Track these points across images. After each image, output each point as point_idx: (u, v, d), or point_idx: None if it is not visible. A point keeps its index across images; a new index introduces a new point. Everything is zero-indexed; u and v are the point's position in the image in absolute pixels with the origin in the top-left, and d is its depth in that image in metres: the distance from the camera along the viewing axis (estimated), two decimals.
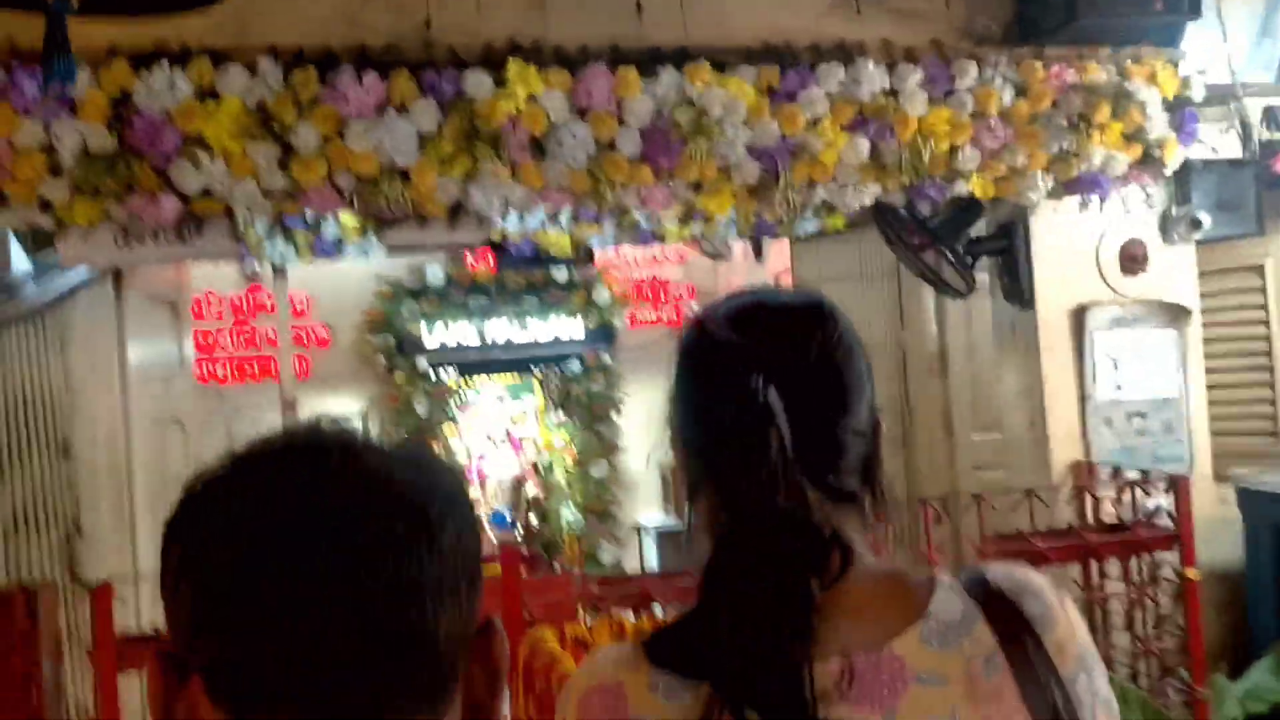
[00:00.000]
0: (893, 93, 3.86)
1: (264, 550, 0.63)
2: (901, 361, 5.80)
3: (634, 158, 3.72)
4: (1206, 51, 4.07)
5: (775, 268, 6.52)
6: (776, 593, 0.86)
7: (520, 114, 3.60)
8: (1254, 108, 4.14)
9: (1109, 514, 4.13)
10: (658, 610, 3.45)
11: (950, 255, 4.06)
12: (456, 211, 3.80)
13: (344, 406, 7.28)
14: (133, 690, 3.36)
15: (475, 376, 7.37)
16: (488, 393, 7.53)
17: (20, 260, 3.64)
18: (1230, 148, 4.24)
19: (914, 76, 3.84)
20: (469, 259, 7.05)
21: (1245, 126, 4.16)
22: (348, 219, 4.34)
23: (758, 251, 6.93)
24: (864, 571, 0.92)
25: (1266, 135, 4.11)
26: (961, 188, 3.97)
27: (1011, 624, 0.92)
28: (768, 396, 0.91)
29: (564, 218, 4.92)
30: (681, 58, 3.79)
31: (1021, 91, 3.92)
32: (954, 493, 5.32)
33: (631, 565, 7.21)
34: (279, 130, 3.42)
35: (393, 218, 3.76)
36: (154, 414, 5.24)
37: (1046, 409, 4.47)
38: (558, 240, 5.21)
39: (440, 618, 0.65)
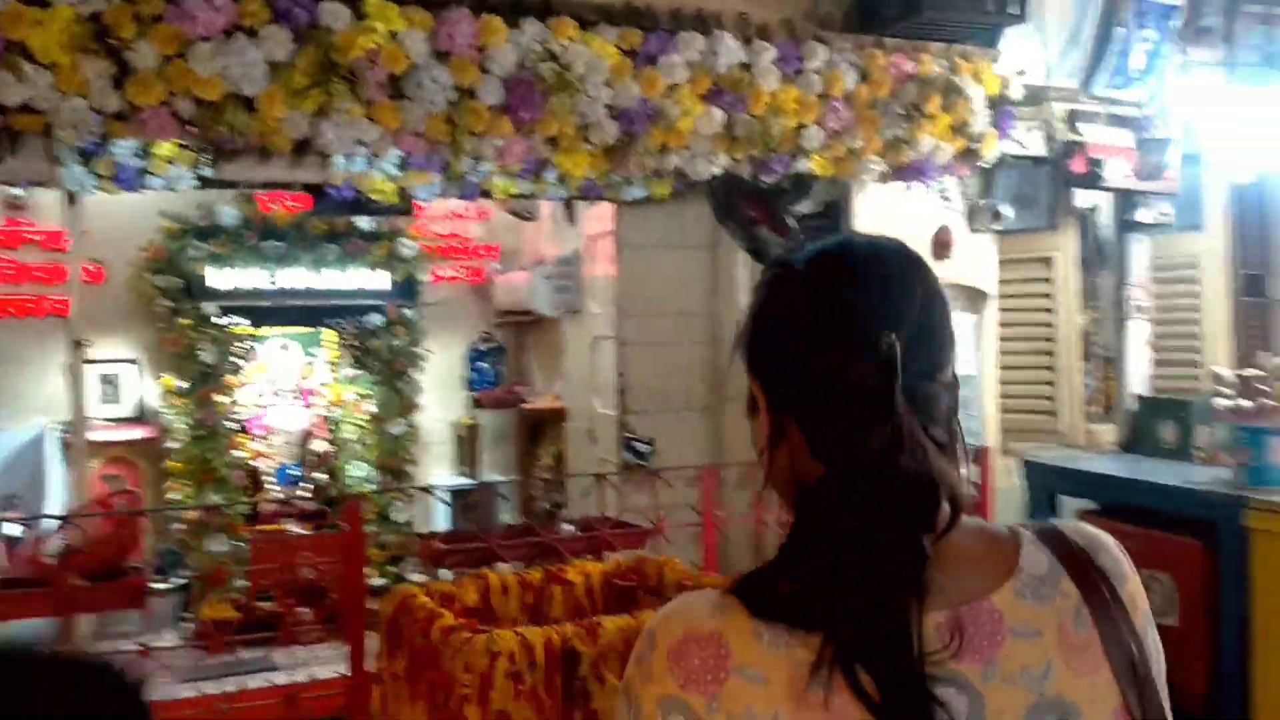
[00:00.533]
0: (747, 67, 3.94)
1: None
2: (714, 331, 5.97)
3: (495, 108, 3.64)
4: (1022, 56, 4.39)
5: (590, 231, 6.54)
6: (895, 546, 0.86)
7: (379, 51, 3.45)
8: (1059, 111, 4.51)
9: None
10: (503, 567, 3.43)
11: (786, 230, 4.21)
12: (302, 148, 3.59)
13: (116, 349, 6.75)
14: None
15: (266, 325, 6.99)
16: (277, 342, 7.18)
17: None
18: (1034, 146, 4.60)
19: (768, 54, 3.95)
20: (265, 200, 6.67)
21: (1050, 127, 4.52)
22: (164, 148, 4.02)
23: (570, 214, 6.94)
24: (960, 525, 0.93)
25: (1069, 137, 4.49)
26: (804, 165, 4.12)
27: (1090, 578, 0.95)
28: (892, 351, 0.91)
29: (391, 164, 4.75)
30: (545, 11, 3.73)
31: (863, 77, 4.10)
32: (755, 460, 5.54)
33: (425, 525, 7.08)
34: (115, 45, 3.12)
35: (232, 150, 3.51)
36: None
37: None
38: (382, 186, 5.02)
39: None
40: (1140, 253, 4.90)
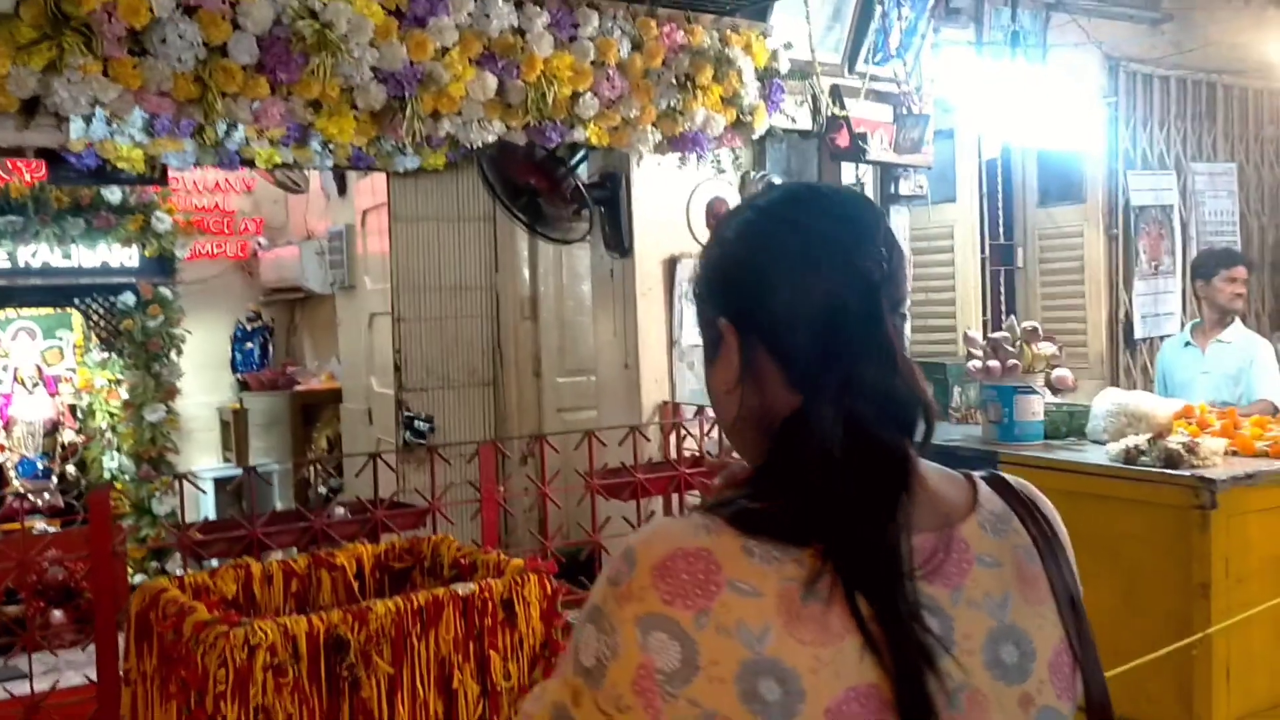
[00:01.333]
0: (520, 32, 3.85)
1: None
2: (494, 305, 5.87)
3: (249, 67, 3.40)
4: (789, 30, 4.48)
5: (363, 204, 6.30)
6: (887, 462, 0.91)
7: (116, 2, 3.16)
8: (824, 85, 4.64)
9: (691, 449, 4.47)
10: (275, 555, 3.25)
11: (568, 199, 4.16)
12: (32, 108, 3.25)
13: None
14: None
15: (3, 307, 6.39)
16: (17, 326, 6.58)
17: None
18: (802, 120, 4.72)
19: (541, 18, 3.87)
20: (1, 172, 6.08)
21: (816, 101, 4.65)
22: None
23: (341, 186, 6.66)
24: (922, 461, 0.98)
25: (832, 111, 4.62)
26: (580, 134, 4.07)
27: (1037, 521, 1.02)
28: (882, 278, 0.96)
29: (137, 128, 4.41)
30: None
31: (637, 46, 4.08)
32: (537, 434, 5.50)
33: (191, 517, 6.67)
34: None
35: None
36: None
37: (638, 352, 4.74)
38: (129, 154, 4.66)
39: None
40: (901, 224, 5.12)
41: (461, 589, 2.47)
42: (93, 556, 3.10)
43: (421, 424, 5.65)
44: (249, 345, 7.52)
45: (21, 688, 3.28)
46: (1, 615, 5.47)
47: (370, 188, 6.05)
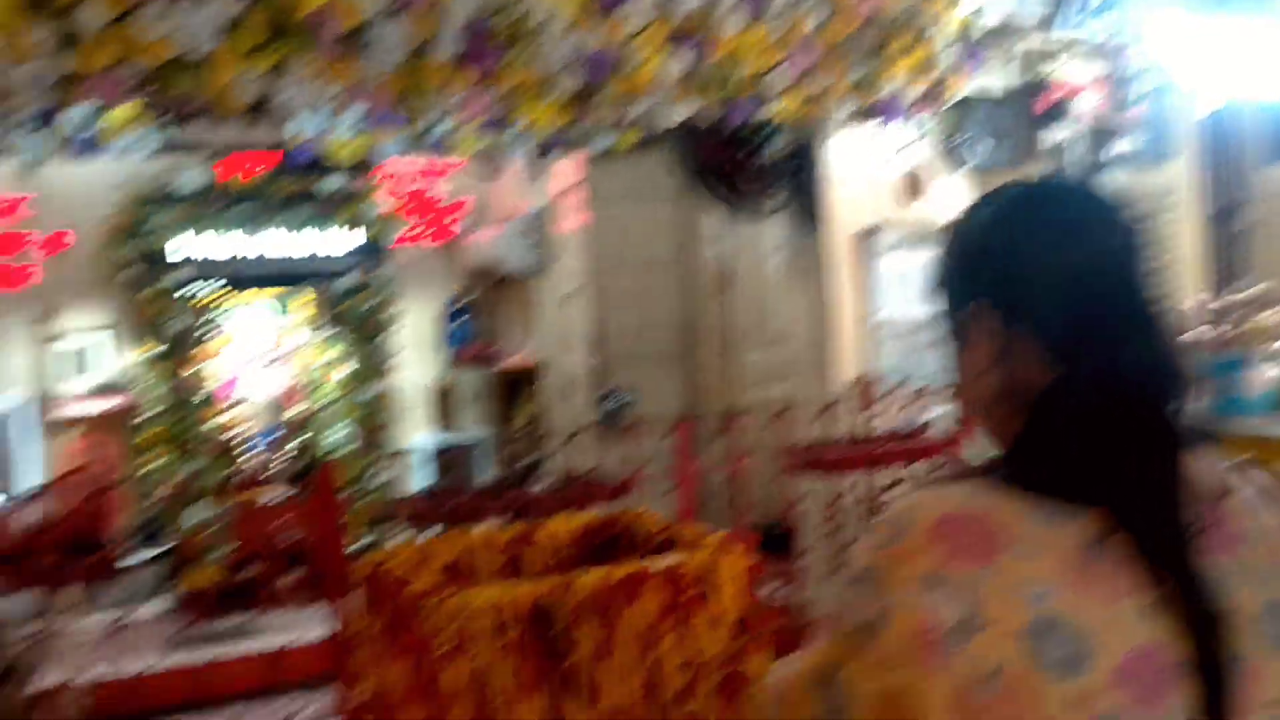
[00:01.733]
0: (709, 10, 3.88)
1: None
2: (686, 281, 5.94)
3: (453, 60, 3.57)
4: None
5: (557, 185, 6.47)
6: (1155, 432, 0.93)
7: (333, 6, 3.37)
8: (1025, 46, 4.46)
9: (889, 424, 4.43)
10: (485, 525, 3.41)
11: (756, 176, 4.17)
12: (258, 109, 3.52)
13: (88, 321, 6.67)
14: None
15: (237, 291, 6.91)
16: (251, 308, 7.10)
17: None
18: (1003, 83, 4.56)
19: None
20: (228, 165, 6.56)
21: (1017, 63, 4.48)
22: (118, 113, 3.94)
23: (539, 169, 6.86)
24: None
25: (1035, 73, 4.45)
26: (771, 108, 4.07)
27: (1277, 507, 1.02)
28: (1151, 256, 1.00)
29: (349, 122, 4.67)
30: None
31: (829, 16, 4.04)
32: (730, 410, 5.55)
33: (404, 487, 7.08)
34: (61, 9, 3.03)
35: (188, 113, 3.44)
36: None
37: (831, 326, 4.71)
38: (343, 146, 4.95)
39: None
40: (1115, 187, 4.88)
41: (662, 562, 2.55)
42: (321, 526, 3.34)
43: (618, 399, 5.79)
44: (456, 324, 7.86)
45: (255, 643, 3.59)
46: (241, 577, 5.97)
47: (565, 169, 6.22)
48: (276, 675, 3.31)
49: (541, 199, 6.78)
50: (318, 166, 4.98)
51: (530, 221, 6.86)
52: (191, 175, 6.45)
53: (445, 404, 7.76)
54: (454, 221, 7.86)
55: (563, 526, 2.99)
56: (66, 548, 3.10)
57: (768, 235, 5.47)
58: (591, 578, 2.47)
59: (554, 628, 2.42)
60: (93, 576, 3.25)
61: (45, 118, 3.83)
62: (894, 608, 0.89)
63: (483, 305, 8.12)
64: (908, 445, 4.07)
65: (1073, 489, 0.91)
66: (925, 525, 0.90)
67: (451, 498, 3.55)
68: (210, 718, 3.33)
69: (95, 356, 6.71)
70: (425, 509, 3.55)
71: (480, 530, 3.02)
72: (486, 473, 7.09)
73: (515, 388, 7.61)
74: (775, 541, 4.17)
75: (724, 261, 5.85)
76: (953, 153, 4.74)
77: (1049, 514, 0.90)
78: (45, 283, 5.46)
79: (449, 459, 7.33)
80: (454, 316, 7.86)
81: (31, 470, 5.96)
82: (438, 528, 3.38)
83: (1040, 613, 0.85)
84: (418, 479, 6.92)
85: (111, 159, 4.51)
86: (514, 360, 7.55)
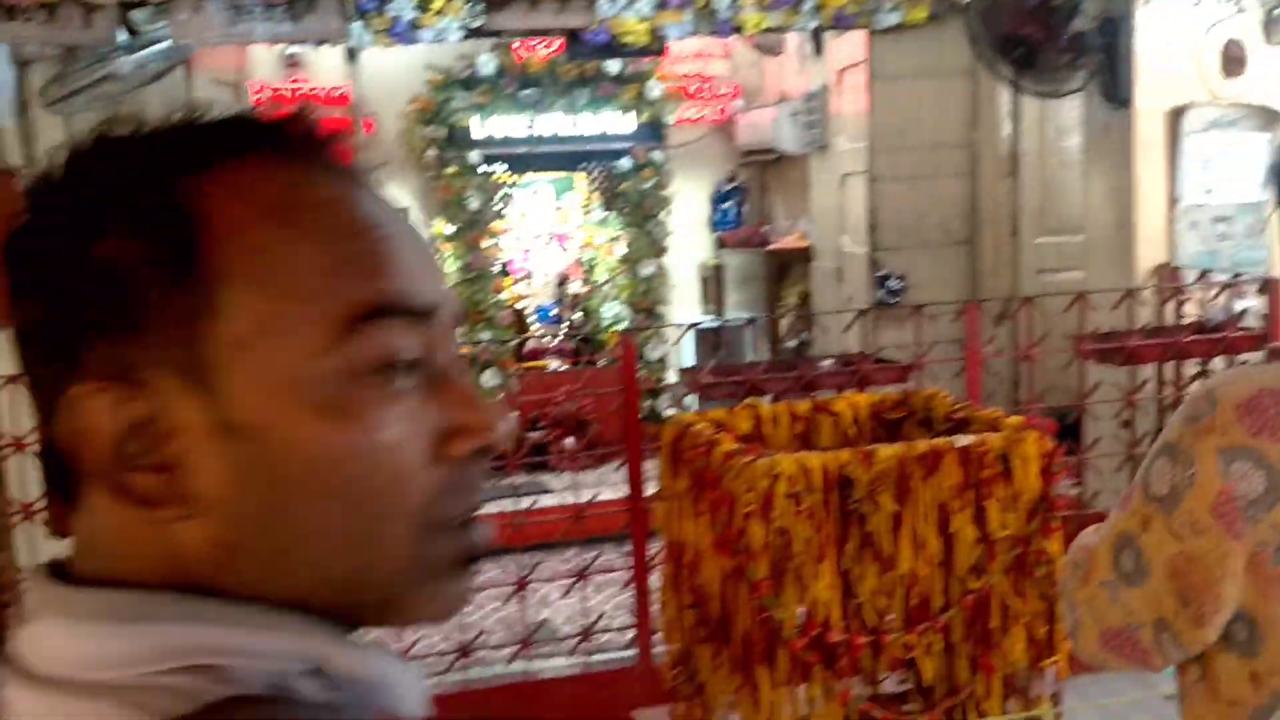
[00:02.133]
0: None
1: None
2: (972, 162, 5.77)
3: None
4: None
5: (839, 63, 6.37)
6: None
7: None
8: None
9: (1192, 315, 4.21)
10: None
11: (1059, 49, 3.98)
12: None
13: (390, 199, 7.21)
14: None
15: (524, 171, 7.28)
16: (534, 188, 7.46)
17: (122, 37, 3.52)
18: None
19: None
20: (523, 49, 6.85)
21: None
22: (436, 1, 4.21)
23: (818, 46, 6.76)
24: None
25: None
26: None
27: None
28: None
29: (645, 3, 4.78)
30: None
31: None
32: (1015, 295, 5.40)
33: (675, 362, 7.34)
34: None
35: None
36: None
37: (1135, 211, 4.48)
38: (634, 27, 5.07)
39: None
40: None
41: (961, 440, 2.60)
42: (625, 391, 3.57)
43: (894, 283, 5.76)
44: (726, 205, 7.98)
45: (547, 500, 3.89)
46: (529, 441, 6.43)
47: (847, 46, 6.10)
48: (580, 528, 3.60)
49: (821, 77, 6.70)
50: (608, 49, 5.12)
51: (808, 101, 6.81)
52: (488, 60, 6.78)
53: (714, 284, 7.94)
54: (731, 102, 7.90)
55: (855, 403, 3.08)
56: None
57: (1066, 113, 5.22)
58: (892, 450, 2.56)
59: (853, 496, 2.54)
60: None
61: (369, 8, 4.15)
62: (1198, 476, 0.93)
63: (755, 187, 8.18)
64: (1214, 338, 3.87)
65: None
66: (1233, 401, 0.93)
67: (738, 372, 3.70)
68: (511, 562, 3.67)
69: None
70: (712, 382, 3.72)
71: (773, 404, 3.15)
72: (754, 353, 7.25)
73: (785, 270, 7.68)
74: (1064, 431, 4.10)
75: (1015, 142, 5.63)
76: (1277, 24, 4.34)
77: None
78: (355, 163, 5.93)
79: (718, 338, 7.52)
80: (725, 198, 7.97)
81: None
82: (721, 400, 3.53)
83: None
84: (688, 356, 7.16)
85: (423, 46, 4.84)
86: (785, 242, 7.60)
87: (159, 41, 3.54)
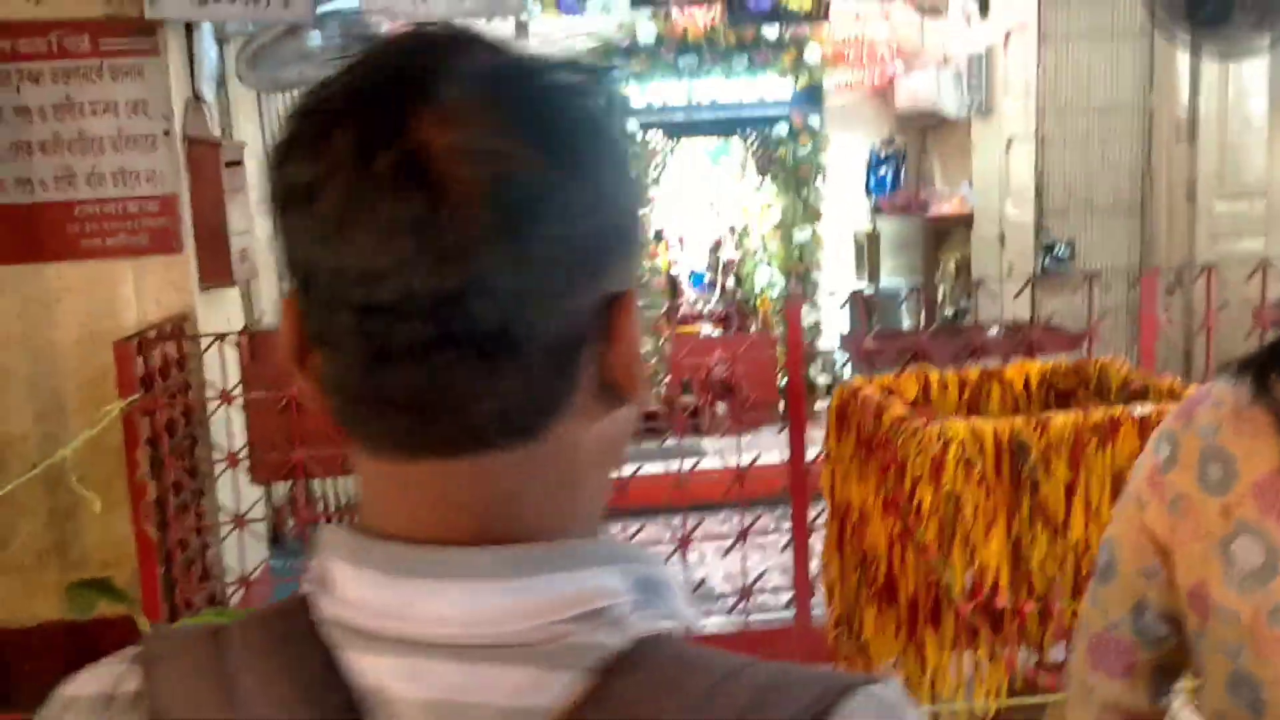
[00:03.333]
0: None
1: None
2: (1145, 125, 5.57)
3: None
4: None
5: (1005, 24, 6.21)
6: None
7: None
8: None
9: None
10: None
11: (1251, 6, 3.81)
12: None
13: None
14: None
15: (680, 138, 7.35)
16: (689, 155, 7.53)
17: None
18: None
19: None
20: (683, 15, 6.90)
21: None
22: None
23: (983, 6, 6.60)
24: None
25: None
26: None
27: None
28: None
29: None
30: None
31: None
32: (1190, 263, 5.22)
33: (826, 329, 7.33)
34: None
35: None
36: None
37: None
38: None
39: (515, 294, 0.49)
40: None
41: (1139, 409, 2.57)
42: (790, 356, 3.63)
43: (1061, 250, 5.62)
44: (883, 171, 7.89)
45: (702, 462, 3.97)
46: (681, 403, 6.54)
47: (1013, 7, 5.95)
48: (741, 489, 3.69)
49: (985, 39, 6.55)
50: (771, 14, 5.13)
51: (971, 64, 6.66)
52: (648, 28, 6.86)
53: (869, 251, 7.88)
54: (891, 65, 7.79)
55: (1026, 370, 3.06)
56: None
57: (1248, 76, 4.99)
58: (1066, 418, 2.55)
59: (1025, 462, 2.54)
60: None
61: None
62: (1141, 458, 1.05)
63: (914, 152, 8.06)
64: None
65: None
66: (1184, 402, 1.04)
67: (904, 338, 3.71)
68: (665, 521, 3.77)
69: None
70: (876, 348, 3.73)
71: (941, 371, 3.15)
72: (908, 320, 7.18)
73: (943, 236, 7.56)
74: None
75: (1193, 105, 5.41)
76: None
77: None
78: None
79: (874, 305, 7.47)
80: (882, 163, 7.88)
81: None
82: (885, 366, 3.55)
83: (1206, 445, 0.97)
84: (843, 324, 7.14)
85: (586, 17, 4.95)
86: (943, 208, 7.48)
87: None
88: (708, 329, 7.44)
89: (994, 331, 3.82)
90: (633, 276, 0.56)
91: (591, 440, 0.55)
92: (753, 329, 7.54)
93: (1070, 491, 2.56)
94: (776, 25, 6.66)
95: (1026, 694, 2.71)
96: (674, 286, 7.54)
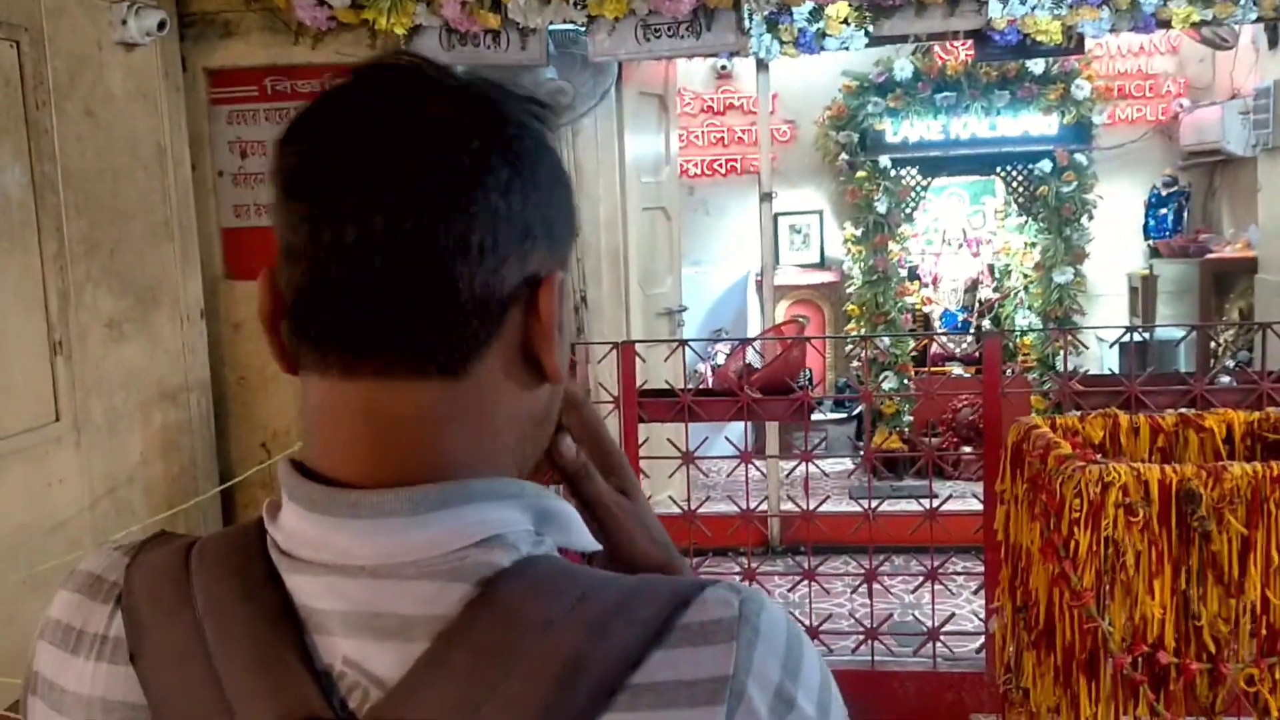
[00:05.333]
0: None
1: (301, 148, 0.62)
2: None
3: None
4: None
5: None
6: None
7: None
8: None
9: None
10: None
11: None
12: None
13: (805, 201, 7.49)
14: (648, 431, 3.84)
15: (936, 175, 7.23)
16: (947, 192, 7.39)
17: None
18: None
19: None
20: (939, 52, 6.83)
21: None
22: (838, 10, 4.37)
23: (1273, 39, 6.12)
24: None
25: None
26: None
27: None
28: None
29: (1054, 2, 4.64)
30: None
31: None
32: None
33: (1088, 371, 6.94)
34: None
35: (890, 6, 3.74)
36: (644, 203, 5.71)
37: None
38: (1047, 27, 4.92)
39: (464, 257, 0.60)
40: None
41: None
42: (985, 393, 3.55)
43: None
44: (1163, 211, 7.39)
45: (922, 505, 3.92)
46: (922, 445, 6.41)
47: None
48: (933, 534, 3.64)
49: (1275, 71, 6.05)
50: (1020, 49, 5.01)
51: (1258, 98, 6.17)
52: (904, 64, 6.83)
53: (1143, 295, 7.39)
54: (1170, 101, 7.33)
55: (1228, 419, 2.86)
56: (765, 389, 3.70)
57: None
58: (1244, 469, 2.39)
59: (1196, 512, 2.39)
60: (787, 416, 3.83)
61: (775, 19, 4.40)
62: None
63: (1198, 191, 7.51)
64: None
65: None
66: None
67: (1115, 383, 3.53)
68: (871, 558, 3.76)
69: (810, 234, 7.53)
70: (1085, 390, 3.58)
71: (1135, 415, 3.00)
72: (1184, 369, 6.68)
73: (1227, 281, 6.98)
74: None
75: None
76: None
77: None
78: (771, 167, 6.20)
79: (1143, 351, 7.01)
80: (1161, 203, 7.39)
81: (755, 326, 6.98)
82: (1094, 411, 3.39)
83: None
84: (1104, 367, 6.75)
85: (841, 54, 5.02)
86: (1226, 251, 6.92)
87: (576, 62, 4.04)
88: (958, 370, 7.24)
89: (1224, 380, 3.55)
90: (560, 267, 0.66)
91: (510, 398, 0.65)
92: (1010, 373, 7.26)
93: (1247, 547, 2.38)
94: (1040, 61, 6.45)
95: None
96: (925, 326, 7.40)
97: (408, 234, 0.59)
